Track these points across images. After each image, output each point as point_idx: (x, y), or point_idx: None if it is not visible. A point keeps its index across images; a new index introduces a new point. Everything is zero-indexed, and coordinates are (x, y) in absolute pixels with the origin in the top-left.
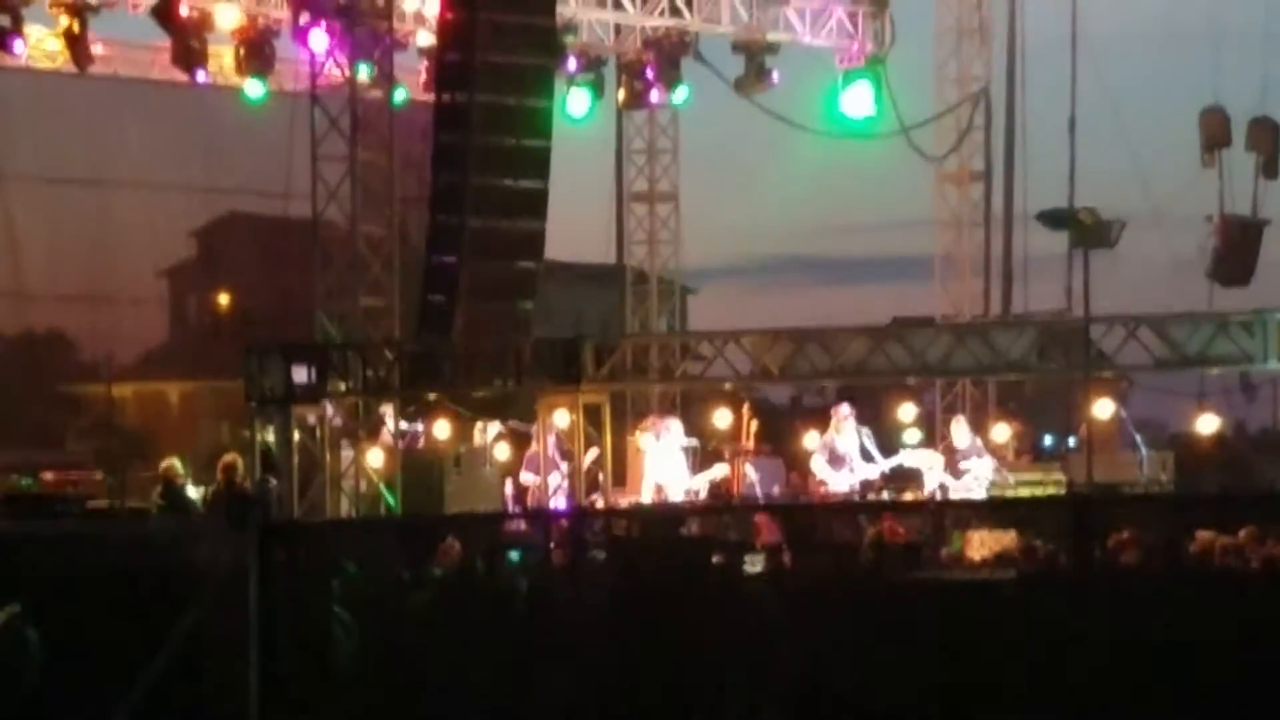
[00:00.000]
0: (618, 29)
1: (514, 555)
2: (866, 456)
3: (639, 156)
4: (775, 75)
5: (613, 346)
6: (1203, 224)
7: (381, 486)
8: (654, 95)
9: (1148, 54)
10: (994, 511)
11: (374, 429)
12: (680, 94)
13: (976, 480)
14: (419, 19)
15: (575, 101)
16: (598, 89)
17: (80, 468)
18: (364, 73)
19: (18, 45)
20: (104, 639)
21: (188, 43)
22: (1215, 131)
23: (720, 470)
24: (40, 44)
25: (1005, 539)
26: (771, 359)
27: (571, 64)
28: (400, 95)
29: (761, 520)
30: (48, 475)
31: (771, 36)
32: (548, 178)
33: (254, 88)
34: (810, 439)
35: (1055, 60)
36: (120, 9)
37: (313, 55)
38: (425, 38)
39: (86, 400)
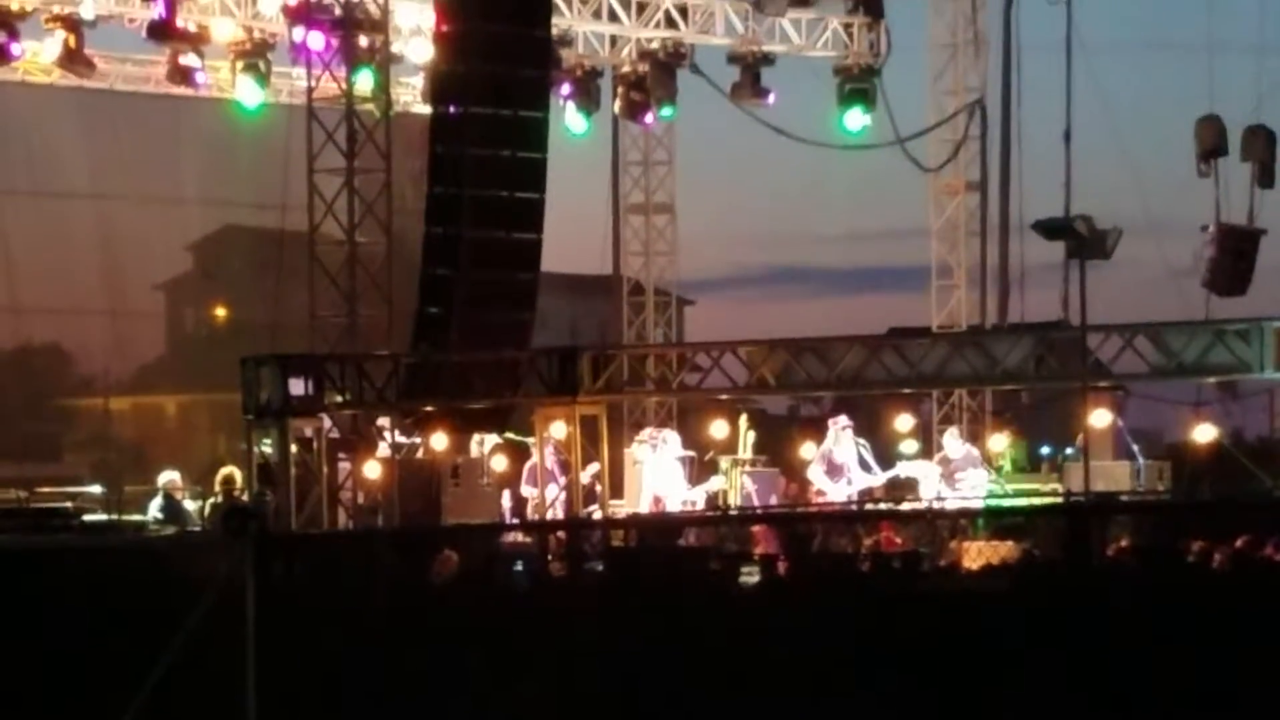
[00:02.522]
0: (613, 40)
1: (517, 566)
2: (864, 467)
3: (635, 168)
4: (772, 97)
5: (609, 357)
6: (1199, 233)
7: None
8: (649, 118)
9: (1143, 63)
10: (991, 519)
11: (371, 441)
12: (666, 112)
13: (973, 490)
14: (416, 31)
15: (571, 119)
16: (589, 111)
17: (77, 482)
18: (361, 84)
19: (14, 48)
20: (104, 650)
21: (183, 57)
22: (1211, 140)
23: (717, 482)
24: (36, 58)
25: (1003, 548)
26: (768, 369)
27: (565, 89)
28: (394, 109)
29: (759, 530)
30: (43, 489)
31: (767, 47)
32: (544, 189)
33: (251, 100)
34: (807, 449)
35: (1050, 70)
36: (115, 22)
37: (309, 67)
38: (422, 49)
39: (83, 414)
